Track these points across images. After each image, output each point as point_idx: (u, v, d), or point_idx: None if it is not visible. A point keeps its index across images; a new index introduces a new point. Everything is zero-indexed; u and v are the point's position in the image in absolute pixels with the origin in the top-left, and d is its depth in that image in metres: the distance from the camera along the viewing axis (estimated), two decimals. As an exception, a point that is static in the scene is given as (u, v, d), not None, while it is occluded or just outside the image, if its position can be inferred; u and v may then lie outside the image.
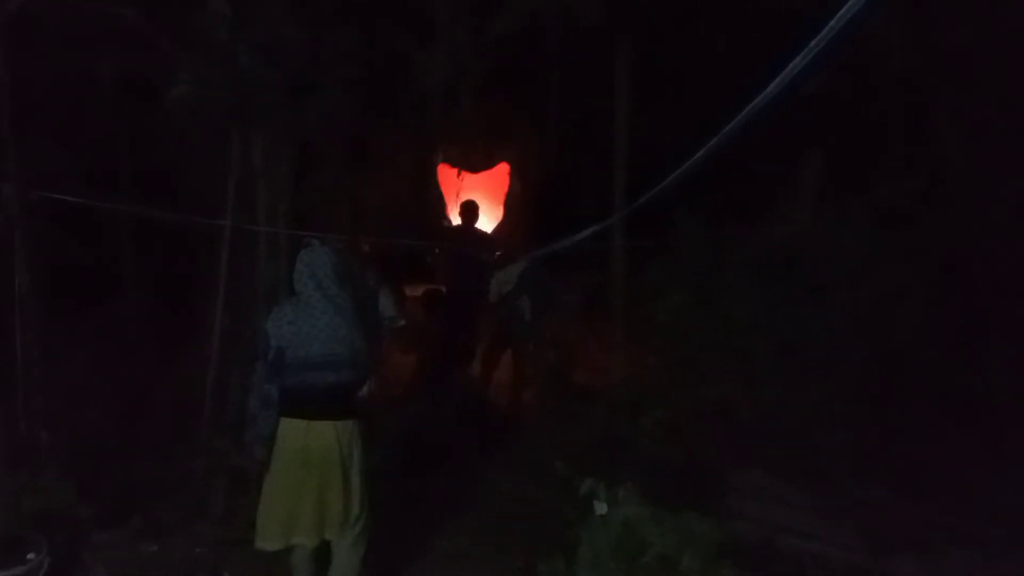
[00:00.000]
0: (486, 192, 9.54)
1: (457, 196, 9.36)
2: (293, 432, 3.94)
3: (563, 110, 9.64)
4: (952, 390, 5.48)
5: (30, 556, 4.38)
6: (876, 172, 5.96)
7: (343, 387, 4.01)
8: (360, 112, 6.29)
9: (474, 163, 9.35)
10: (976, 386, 5.53)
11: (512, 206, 9.88)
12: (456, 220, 8.33)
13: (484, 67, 7.54)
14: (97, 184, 6.46)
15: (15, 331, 5.09)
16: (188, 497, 5.37)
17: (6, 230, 5.09)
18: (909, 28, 5.65)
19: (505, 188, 9.94)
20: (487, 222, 9.80)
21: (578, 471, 5.22)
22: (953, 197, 5.90)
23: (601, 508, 4.24)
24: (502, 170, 9.94)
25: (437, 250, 7.82)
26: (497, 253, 7.08)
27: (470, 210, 7.40)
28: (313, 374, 3.93)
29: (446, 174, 9.55)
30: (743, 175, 6.16)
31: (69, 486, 5.10)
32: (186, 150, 6.43)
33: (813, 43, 2.41)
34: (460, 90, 8.01)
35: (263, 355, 3.96)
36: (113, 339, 6.63)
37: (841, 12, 2.36)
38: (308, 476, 3.91)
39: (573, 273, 7.46)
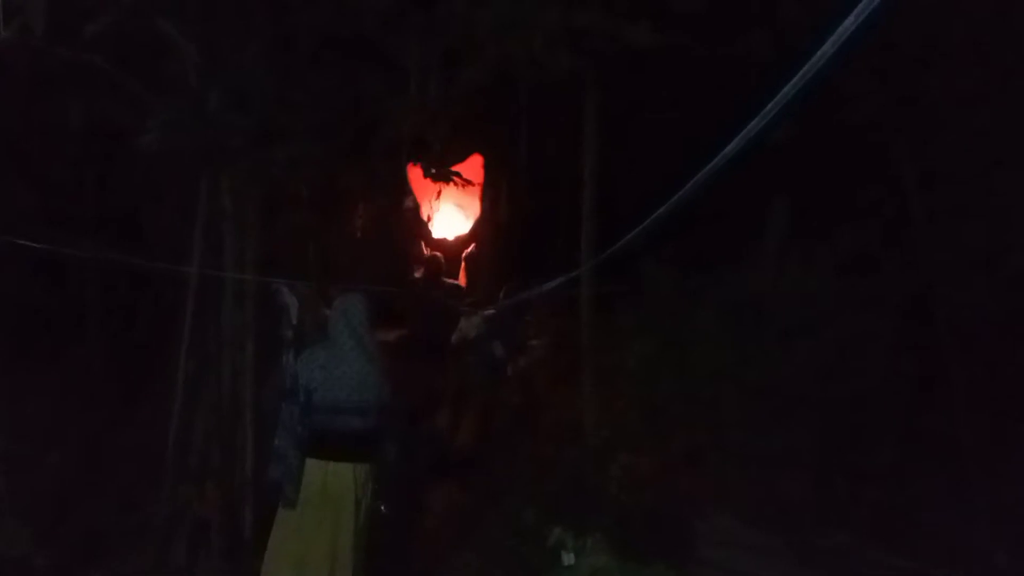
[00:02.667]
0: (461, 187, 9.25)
1: (435, 196, 9.21)
2: (313, 471, 4.04)
3: (532, 156, 9.73)
4: (917, 434, 5.53)
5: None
6: (839, 219, 6.05)
7: (367, 432, 4.14)
8: (329, 157, 6.31)
9: (446, 159, 9.15)
10: (940, 430, 5.59)
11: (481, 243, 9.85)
12: (433, 218, 8.28)
13: (454, 114, 7.62)
14: (64, 226, 6.40)
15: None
16: (150, 546, 5.26)
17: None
18: (871, 76, 5.79)
19: (480, 180, 9.79)
20: (464, 220, 9.72)
21: (547, 519, 5.20)
22: (915, 243, 6.01)
23: (569, 559, 4.23)
24: (476, 162, 9.76)
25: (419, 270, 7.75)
26: (467, 301, 7.10)
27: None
28: (340, 418, 4.08)
29: (416, 174, 9.18)
30: (709, 222, 6.23)
31: (26, 533, 4.99)
32: (154, 193, 6.40)
33: (779, 96, 2.47)
34: (430, 135, 8.06)
35: (292, 396, 4.10)
36: (76, 383, 6.53)
37: (807, 66, 2.42)
38: (324, 516, 4.01)
39: (541, 319, 7.50)
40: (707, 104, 6.66)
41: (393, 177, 7.36)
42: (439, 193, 9.29)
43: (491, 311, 6.73)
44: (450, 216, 9.96)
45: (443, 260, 7.89)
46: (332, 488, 4.02)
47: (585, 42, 5.85)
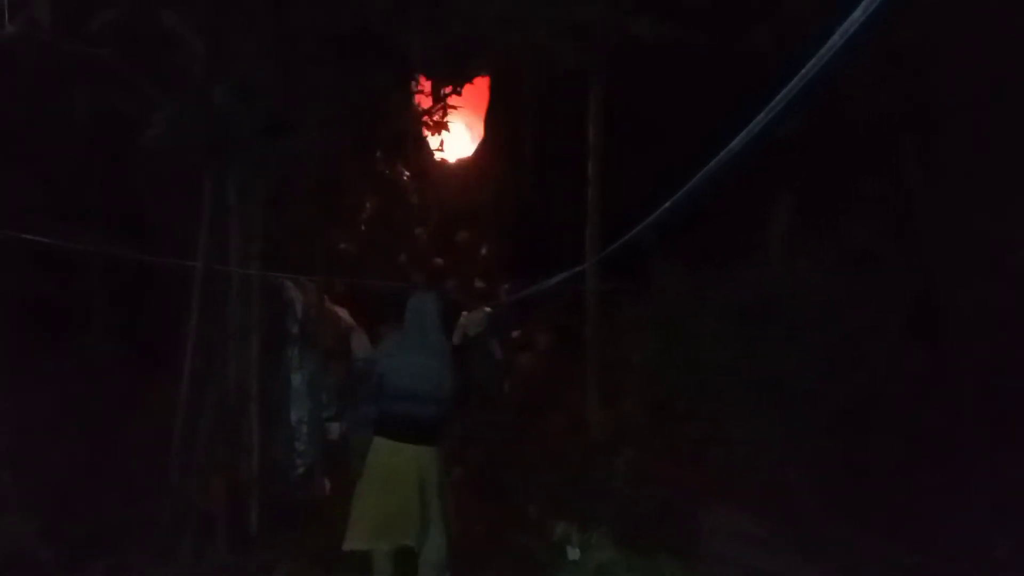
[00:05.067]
0: (467, 109, 9.09)
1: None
2: (382, 449, 4.48)
3: (537, 150, 9.71)
4: (921, 429, 5.53)
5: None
6: (846, 213, 6.05)
7: (425, 419, 4.49)
8: (335, 151, 6.31)
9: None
10: (944, 425, 5.59)
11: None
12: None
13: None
14: (69, 220, 6.40)
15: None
16: (155, 541, 5.27)
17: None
18: (876, 70, 5.78)
19: (486, 104, 9.62)
20: (470, 141, 9.53)
21: (552, 514, 5.22)
22: (921, 237, 6.01)
23: (574, 553, 4.25)
24: (482, 84, 9.55)
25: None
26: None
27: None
28: (401, 403, 4.48)
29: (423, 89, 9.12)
30: (715, 218, 6.24)
31: (31, 528, 4.99)
32: (160, 187, 6.40)
33: (786, 90, 2.47)
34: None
35: (369, 378, 4.67)
36: (81, 378, 6.52)
37: (812, 61, 2.42)
38: (391, 489, 4.39)
39: (547, 314, 7.49)
40: (712, 98, 6.66)
41: (399, 171, 7.36)
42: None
43: (493, 308, 6.72)
44: (456, 136, 9.46)
45: (443, 266, 7.89)
46: (397, 465, 4.41)
47: (590, 36, 5.86)
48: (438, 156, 8.79)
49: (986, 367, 5.63)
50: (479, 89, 9.54)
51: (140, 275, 6.66)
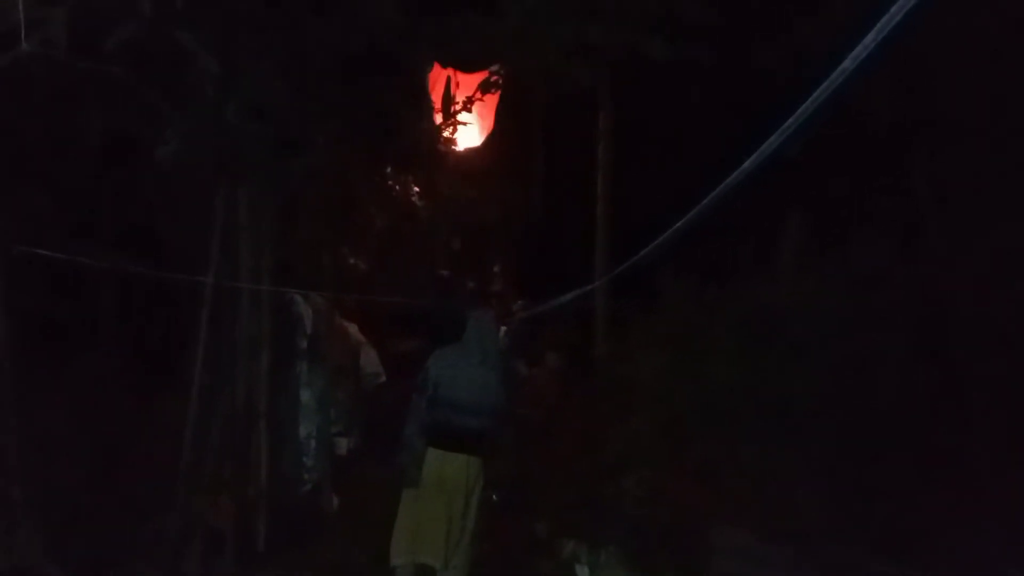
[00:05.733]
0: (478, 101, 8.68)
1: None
2: (432, 459, 4.59)
3: (547, 167, 9.73)
4: (931, 450, 5.50)
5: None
6: (855, 232, 6.04)
7: (480, 430, 4.68)
8: (346, 167, 6.34)
9: (467, 63, 8.93)
10: (955, 445, 5.55)
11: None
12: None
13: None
14: (81, 235, 6.43)
15: (-10, 383, 5.03)
16: (163, 557, 5.26)
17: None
18: (886, 87, 5.78)
19: (497, 93, 9.50)
20: (478, 132, 9.39)
21: (561, 532, 5.20)
22: (930, 256, 5.99)
23: (583, 573, 4.24)
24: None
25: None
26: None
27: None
28: (458, 415, 4.62)
29: (438, 77, 8.82)
30: (724, 235, 6.24)
31: (39, 543, 4.99)
32: (171, 203, 6.43)
33: (798, 112, 2.48)
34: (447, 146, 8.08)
35: (422, 388, 4.66)
36: (90, 393, 6.54)
37: (826, 83, 2.42)
38: (438, 500, 4.53)
39: (556, 331, 7.48)
40: (722, 117, 6.68)
41: (408, 187, 7.40)
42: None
43: (509, 325, 6.73)
44: (467, 125, 9.55)
45: (452, 278, 7.88)
46: (447, 475, 4.55)
47: (600, 55, 5.88)
48: (459, 146, 8.67)
49: (997, 387, 5.60)
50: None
51: (150, 290, 6.69)
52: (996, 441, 5.48)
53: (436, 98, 8.75)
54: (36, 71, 5.00)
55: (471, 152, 8.40)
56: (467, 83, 8.68)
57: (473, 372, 4.70)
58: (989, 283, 5.66)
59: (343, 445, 6.53)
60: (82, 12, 4.61)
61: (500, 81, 8.18)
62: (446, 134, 7.64)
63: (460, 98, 8.01)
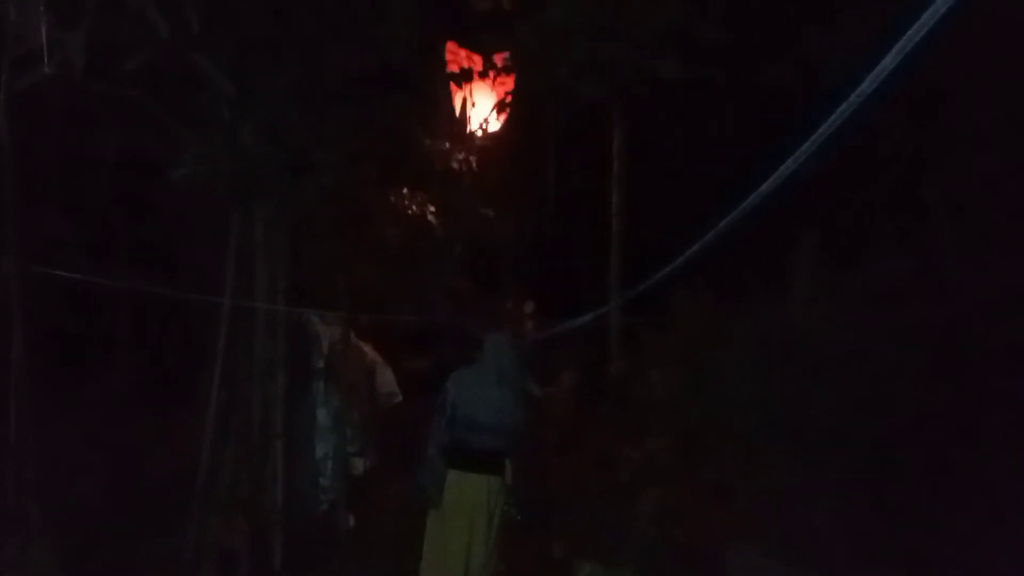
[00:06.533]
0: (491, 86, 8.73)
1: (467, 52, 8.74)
2: (453, 480, 4.65)
3: (562, 185, 9.74)
4: (950, 469, 5.44)
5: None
6: (869, 250, 6.01)
7: (499, 450, 4.72)
8: (360, 186, 6.37)
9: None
10: (974, 465, 5.49)
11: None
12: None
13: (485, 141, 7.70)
14: (98, 254, 6.49)
15: (8, 401, 5.07)
16: (178, 575, 5.27)
17: (4, 301, 5.10)
18: (900, 107, 5.77)
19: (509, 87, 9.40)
20: (495, 117, 9.24)
21: (576, 553, 5.17)
22: (946, 274, 5.95)
23: (599, 594, 4.19)
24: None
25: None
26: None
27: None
28: (476, 435, 4.66)
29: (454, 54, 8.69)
30: (739, 252, 6.22)
31: (55, 560, 5.01)
32: (187, 223, 6.48)
33: (815, 136, 2.48)
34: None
35: (441, 410, 4.71)
36: (107, 411, 6.58)
37: (842, 107, 2.42)
38: (460, 521, 4.61)
39: (570, 350, 7.47)
40: (735, 134, 6.68)
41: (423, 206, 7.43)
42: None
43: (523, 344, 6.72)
44: (481, 108, 9.05)
45: (470, 287, 7.86)
46: (467, 496, 4.61)
47: (613, 74, 5.89)
48: (474, 127, 8.59)
49: (1018, 405, 5.54)
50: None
51: (167, 308, 6.74)
52: (1018, 461, 5.42)
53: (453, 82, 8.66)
54: (55, 93, 5.07)
55: (485, 170, 8.40)
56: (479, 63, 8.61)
57: (491, 392, 4.73)
58: (1006, 301, 5.61)
59: (359, 465, 6.52)
60: (100, 36, 4.67)
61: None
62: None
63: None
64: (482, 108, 8.19)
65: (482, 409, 4.68)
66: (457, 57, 8.16)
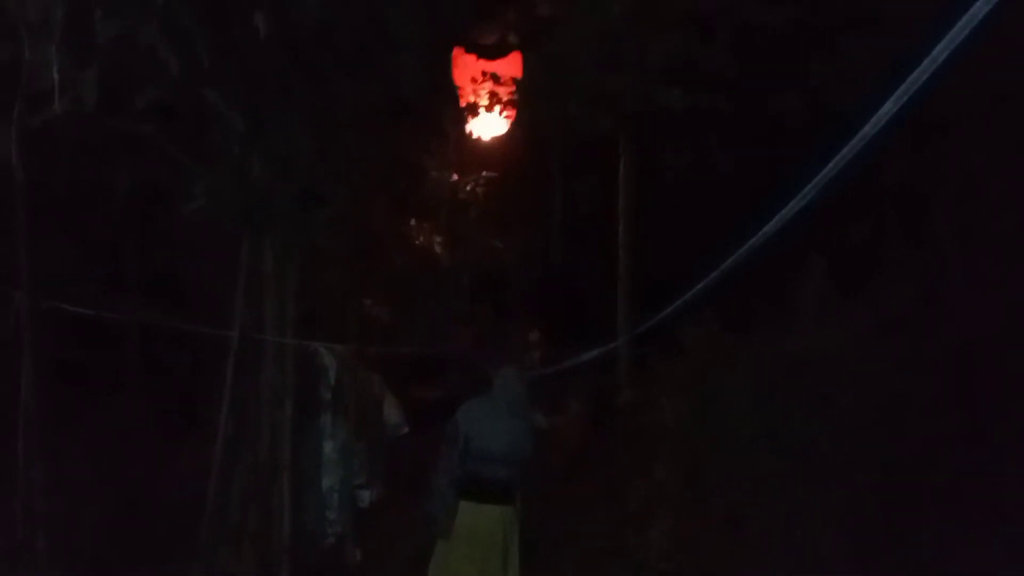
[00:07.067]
0: (502, 66, 8.72)
1: (476, 68, 8.72)
2: (466, 512, 4.62)
3: (569, 214, 9.77)
4: (960, 497, 5.41)
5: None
6: (877, 277, 6.01)
7: (512, 481, 4.72)
8: (369, 217, 6.42)
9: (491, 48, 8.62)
10: (985, 492, 5.46)
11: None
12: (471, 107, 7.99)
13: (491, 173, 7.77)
14: (109, 285, 6.54)
15: (17, 432, 5.09)
16: (186, 607, 5.26)
17: (15, 333, 5.15)
18: (907, 135, 5.79)
19: (519, 67, 8.90)
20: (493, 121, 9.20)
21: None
22: (955, 301, 5.94)
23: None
24: (515, 59, 8.96)
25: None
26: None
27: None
28: (490, 465, 4.65)
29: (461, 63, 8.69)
30: (746, 279, 6.23)
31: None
32: (196, 253, 6.53)
33: (818, 178, 2.50)
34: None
35: (452, 440, 4.69)
36: (115, 442, 6.60)
37: (845, 150, 2.43)
38: (473, 553, 4.57)
39: (579, 379, 7.46)
40: (741, 163, 6.71)
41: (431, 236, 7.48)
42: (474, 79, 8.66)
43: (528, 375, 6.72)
44: (487, 119, 9.08)
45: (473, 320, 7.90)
46: (481, 528, 4.59)
47: (619, 105, 5.94)
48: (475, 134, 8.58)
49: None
50: (513, 64, 8.94)
51: (176, 340, 6.77)
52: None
53: (460, 81, 8.59)
54: (68, 128, 5.14)
55: (492, 200, 8.45)
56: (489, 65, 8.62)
57: (503, 423, 4.73)
58: (1014, 327, 5.60)
59: (366, 497, 6.50)
60: (112, 72, 4.74)
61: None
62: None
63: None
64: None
65: (495, 440, 4.68)
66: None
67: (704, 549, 5.38)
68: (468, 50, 8.08)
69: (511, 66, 8.58)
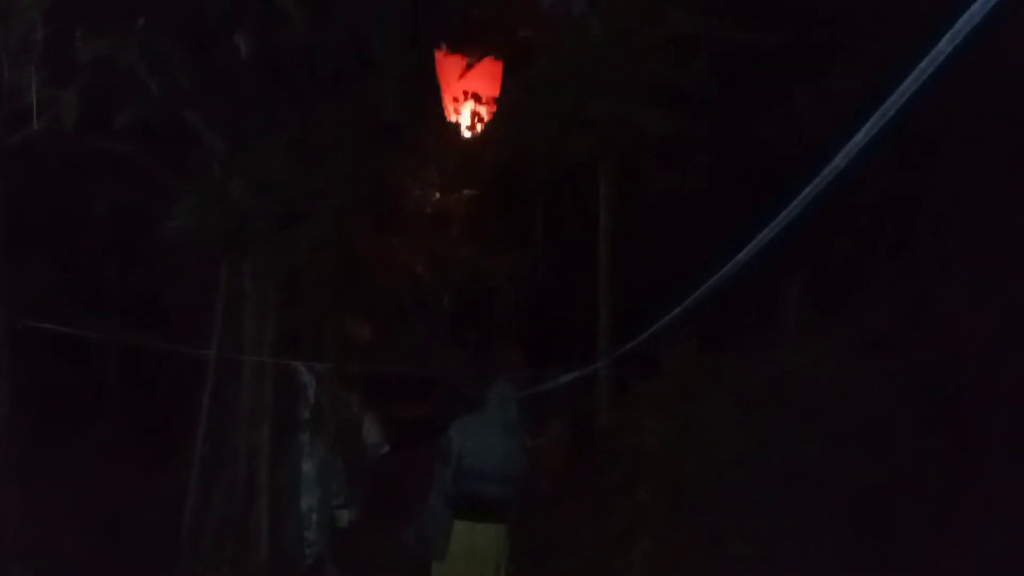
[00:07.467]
0: (482, 85, 8.63)
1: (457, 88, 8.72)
2: (461, 531, 4.62)
3: (550, 235, 9.78)
4: (947, 516, 5.41)
5: None
6: (858, 296, 6.03)
7: (506, 499, 4.74)
8: (350, 237, 6.40)
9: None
10: (972, 511, 5.46)
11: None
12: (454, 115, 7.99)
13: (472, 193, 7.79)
14: (88, 305, 6.49)
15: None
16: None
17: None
18: (890, 153, 5.83)
19: (498, 85, 8.82)
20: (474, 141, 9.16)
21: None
22: (938, 319, 5.96)
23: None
24: (495, 68, 8.84)
25: None
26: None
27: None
28: (484, 484, 4.67)
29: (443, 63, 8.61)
30: (726, 299, 6.24)
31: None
32: (176, 274, 6.49)
33: (797, 200, 2.51)
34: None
35: (446, 459, 4.69)
36: (92, 464, 6.53)
37: (827, 170, 2.44)
38: (470, 571, 4.59)
39: (559, 399, 7.44)
40: (722, 185, 6.74)
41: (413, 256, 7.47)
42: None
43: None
44: (469, 139, 8.92)
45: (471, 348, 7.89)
46: (477, 546, 4.61)
47: (600, 128, 5.96)
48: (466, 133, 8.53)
49: (1014, 450, 5.52)
50: (492, 71, 8.80)
51: (154, 359, 6.72)
52: (1016, 506, 5.39)
53: (444, 86, 8.55)
54: (48, 147, 5.12)
55: (474, 219, 8.46)
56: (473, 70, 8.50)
57: (497, 441, 4.75)
58: (999, 344, 5.62)
59: (344, 518, 6.45)
60: (92, 92, 4.73)
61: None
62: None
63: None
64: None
65: (489, 458, 4.70)
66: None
67: (687, 569, 5.34)
68: (450, 70, 8.10)
69: (492, 86, 8.65)
